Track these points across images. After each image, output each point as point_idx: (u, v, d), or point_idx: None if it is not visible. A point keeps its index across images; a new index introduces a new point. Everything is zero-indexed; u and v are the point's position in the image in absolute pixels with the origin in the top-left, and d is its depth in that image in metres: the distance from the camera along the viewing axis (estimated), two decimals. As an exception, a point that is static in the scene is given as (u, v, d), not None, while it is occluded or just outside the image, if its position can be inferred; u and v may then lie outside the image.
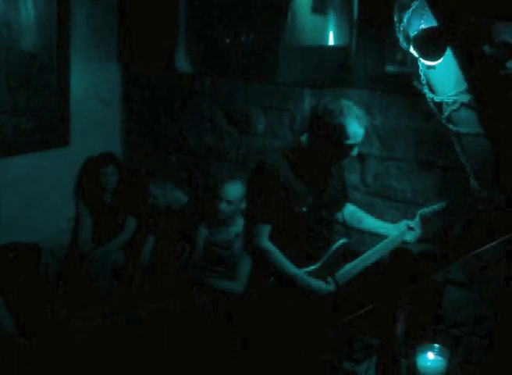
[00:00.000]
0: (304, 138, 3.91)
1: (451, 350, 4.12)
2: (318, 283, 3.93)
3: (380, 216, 4.54)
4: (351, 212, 4.31)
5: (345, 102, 3.81)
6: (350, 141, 3.73)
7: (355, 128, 3.72)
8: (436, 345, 2.88)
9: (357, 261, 4.05)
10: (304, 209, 3.88)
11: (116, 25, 6.04)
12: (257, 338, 4.13)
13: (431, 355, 2.97)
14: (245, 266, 4.99)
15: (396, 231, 4.09)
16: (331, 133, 3.70)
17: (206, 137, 5.86)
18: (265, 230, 3.89)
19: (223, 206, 5.07)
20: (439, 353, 2.94)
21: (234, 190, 4.97)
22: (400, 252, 2.52)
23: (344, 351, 4.00)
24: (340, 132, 3.69)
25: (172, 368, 4.52)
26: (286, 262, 3.90)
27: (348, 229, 4.27)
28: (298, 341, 3.91)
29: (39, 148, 5.68)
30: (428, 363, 2.96)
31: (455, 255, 3.21)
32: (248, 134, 5.58)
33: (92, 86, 6.00)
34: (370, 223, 4.27)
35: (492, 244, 3.15)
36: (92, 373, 4.49)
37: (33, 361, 4.42)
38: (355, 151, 3.83)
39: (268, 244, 3.90)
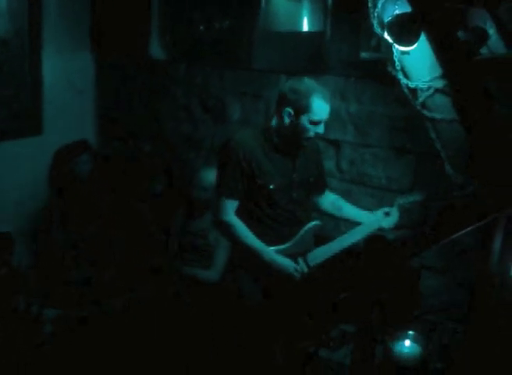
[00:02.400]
0: (273, 121, 3.93)
1: (426, 336, 4.16)
2: (283, 260, 3.92)
3: (355, 203, 4.53)
4: (332, 200, 4.31)
5: (308, 81, 3.84)
6: (316, 117, 3.77)
7: (320, 103, 3.76)
8: (412, 332, 2.88)
9: (330, 244, 4.05)
10: (271, 187, 3.88)
11: (89, 12, 5.98)
12: (233, 326, 4.12)
13: (407, 342, 2.97)
14: (221, 254, 4.99)
15: (373, 218, 4.10)
16: (297, 110, 3.75)
17: (181, 125, 5.82)
18: (230, 204, 3.90)
19: (198, 193, 5.05)
20: (415, 340, 2.94)
21: (209, 177, 4.93)
22: (373, 238, 2.51)
23: (321, 338, 4.00)
24: (306, 107, 3.73)
25: (148, 357, 4.49)
26: (252, 237, 3.90)
27: (326, 216, 4.27)
28: (274, 329, 3.91)
29: (12, 137, 5.62)
30: (405, 350, 2.96)
31: (431, 242, 3.21)
32: (223, 122, 5.55)
33: (65, 74, 5.94)
34: (350, 211, 4.27)
35: (467, 230, 3.16)
36: (66, 365, 4.45)
37: (5, 353, 4.37)
38: (321, 129, 3.85)
39: (232, 218, 3.91)
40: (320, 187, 4.26)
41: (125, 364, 4.45)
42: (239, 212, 3.94)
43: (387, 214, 4.08)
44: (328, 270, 3.93)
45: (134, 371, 4.44)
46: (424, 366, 2.86)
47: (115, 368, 4.43)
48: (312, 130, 3.82)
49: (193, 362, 4.44)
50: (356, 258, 3.89)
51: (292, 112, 3.76)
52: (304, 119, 3.77)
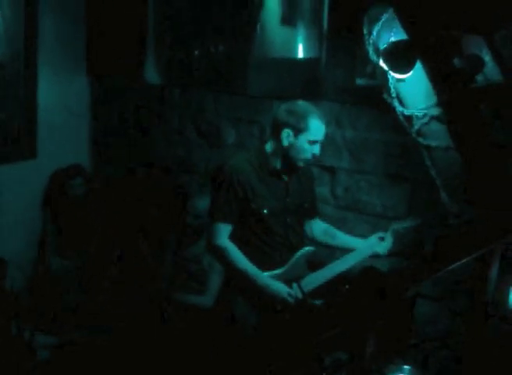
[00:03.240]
0: (268, 145, 3.97)
1: (422, 364, 4.13)
2: (277, 285, 3.91)
3: (350, 230, 4.54)
4: (324, 229, 4.32)
5: (303, 103, 3.92)
6: (314, 136, 3.83)
7: (317, 123, 3.84)
8: (407, 367, 2.85)
9: (324, 269, 4.06)
10: (265, 211, 3.90)
11: (85, 36, 6.01)
12: (226, 353, 4.09)
13: None
14: (215, 280, 4.97)
15: (367, 243, 4.10)
16: (296, 131, 3.80)
17: (175, 149, 5.82)
18: (224, 229, 3.92)
19: (191, 220, 5.04)
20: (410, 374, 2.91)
21: (202, 204, 4.92)
22: (368, 270, 2.50)
23: (314, 366, 3.97)
24: (304, 128, 3.80)
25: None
26: (246, 261, 3.90)
27: (320, 245, 4.26)
28: (268, 356, 3.88)
29: (6, 161, 5.62)
30: None
31: (428, 273, 3.20)
32: (218, 147, 5.55)
33: (60, 97, 5.96)
34: (343, 238, 4.28)
35: (466, 260, 3.15)
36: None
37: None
38: (317, 149, 3.89)
39: (226, 243, 3.91)
40: (313, 212, 4.27)
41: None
42: (233, 237, 3.94)
43: (381, 239, 4.09)
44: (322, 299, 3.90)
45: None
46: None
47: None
48: (309, 151, 3.85)
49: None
50: (349, 285, 3.87)
51: (291, 133, 3.81)
52: (303, 140, 3.81)
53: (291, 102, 3.91)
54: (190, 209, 5.08)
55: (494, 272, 3.49)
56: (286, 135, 3.81)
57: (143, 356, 4.66)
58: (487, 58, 3.78)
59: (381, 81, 3.88)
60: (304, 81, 4.77)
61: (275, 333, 3.88)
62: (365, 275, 2.37)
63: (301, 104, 3.88)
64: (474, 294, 3.62)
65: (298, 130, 3.80)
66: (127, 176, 6.09)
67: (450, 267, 3.22)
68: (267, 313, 3.93)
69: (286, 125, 3.81)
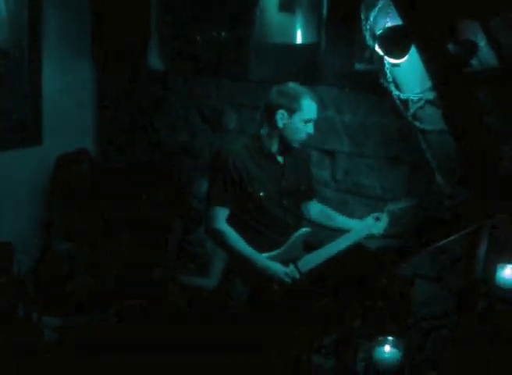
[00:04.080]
0: (262, 129, 4.03)
1: (419, 343, 4.20)
2: (274, 265, 3.98)
3: (350, 212, 4.60)
4: (320, 210, 4.37)
5: (293, 84, 3.98)
6: (307, 115, 3.90)
7: (309, 102, 3.90)
8: (391, 338, 2.92)
9: (320, 250, 4.11)
10: (262, 194, 3.96)
11: (89, 24, 6.05)
12: (227, 334, 4.16)
13: (386, 348, 2.99)
14: (218, 263, 5.03)
15: (362, 224, 4.16)
16: (290, 111, 3.88)
17: (179, 134, 5.88)
18: (222, 212, 3.98)
19: (195, 204, 5.10)
20: (395, 345, 2.97)
21: (206, 188, 4.99)
22: (355, 247, 2.57)
23: (314, 345, 4.05)
24: (297, 107, 3.87)
25: (146, 367, 4.53)
26: (243, 244, 3.97)
27: (317, 226, 4.32)
28: (268, 336, 3.96)
29: (11, 147, 5.68)
30: (384, 355, 2.99)
31: (416, 249, 3.27)
32: (221, 132, 5.62)
33: (65, 85, 6.00)
34: (339, 219, 4.32)
35: (452, 238, 3.22)
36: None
37: (4, 361, 4.42)
38: (311, 128, 3.95)
39: (223, 226, 3.98)
40: (309, 194, 4.32)
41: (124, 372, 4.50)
42: (230, 220, 4.01)
43: (377, 219, 4.13)
44: (316, 278, 3.97)
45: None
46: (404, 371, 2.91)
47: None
48: (304, 131, 3.92)
49: (188, 368, 4.48)
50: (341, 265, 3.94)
51: (285, 114, 3.87)
52: (297, 120, 3.89)
53: (282, 85, 3.97)
54: (194, 193, 5.16)
55: (482, 250, 3.56)
56: (281, 116, 3.88)
57: (148, 338, 4.72)
58: (482, 43, 3.84)
59: (377, 66, 3.93)
60: (304, 66, 4.83)
61: (274, 312, 3.96)
62: (353, 253, 2.44)
63: (292, 85, 3.95)
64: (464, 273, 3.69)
65: (292, 111, 3.86)
66: (132, 161, 6.16)
67: (438, 244, 3.30)
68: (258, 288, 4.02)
69: (280, 106, 3.87)
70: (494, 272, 3.64)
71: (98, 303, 5.20)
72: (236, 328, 4.10)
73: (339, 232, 4.23)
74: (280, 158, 4.06)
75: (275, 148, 4.00)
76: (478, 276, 3.61)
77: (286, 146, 3.99)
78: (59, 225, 5.92)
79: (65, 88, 6.02)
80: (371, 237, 4.12)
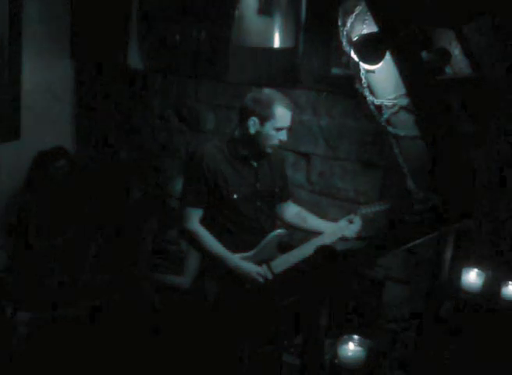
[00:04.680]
0: (236, 132, 4.09)
1: (388, 345, 4.27)
2: (247, 265, 4.04)
3: (324, 214, 4.65)
4: (296, 212, 4.42)
5: (269, 91, 4.04)
6: (279, 124, 3.95)
7: (283, 111, 3.95)
8: (356, 336, 2.97)
9: (292, 252, 4.17)
10: (235, 196, 4.03)
11: (69, 21, 6.05)
12: (197, 332, 4.22)
13: (351, 346, 3.04)
14: (193, 261, 5.06)
15: (336, 227, 4.21)
16: (262, 119, 3.93)
17: (157, 134, 5.92)
18: (195, 213, 4.05)
19: (172, 202, 5.14)
20: (359, 344, 3.02)
21: (180, 187, 5.03)
22: (322, 248, 2.62)
23: (284, 343, 4.10)
24: (270, 115, 3.92)
25: (120, 360, 4.56)
26: (217, 244, 4.04)
27: (292, 228, 4.38)
28: (238, 333, 4.01)
29: (-11, 142, 5.68)
30: (349, 354, 3.04)
31: (382, 251, 3.33)
32: (198, 132, 5.66)
33: (44, 81, 6.00)
34: (315, 222, 4.38)
35: (418, 241, 3.29)
36: (39, 367, 4.52)
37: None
38: (284, 135, 4.00)
39: (196, 227, 4.04)
40: (284, 196, 4.37)
41: (96, 366, 4.53)
42: (204, 220, 4.06)
43: (350, 222, 4.19)
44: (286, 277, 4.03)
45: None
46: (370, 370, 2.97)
47: (88, 371, 4.51)
48: (276, 137, 3.97)
49: (161, 365, 4.53)
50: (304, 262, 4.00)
51: (257, 121, 3.92)
52: (269, 127, 3.93)
53: (257, 91, 4.03)
54: (170, 191, 5.20)
55: (448, 254, 3.64)
56: (253, 123, 3.93)
57: (122, 334, 4.76)
58: (456, 51, 3.92)
59: (353, 71, 3.98)
60: (282, 70, 4.88)
61: (245, 310, 4.00)
62: (320, 253, 2.49)
63: (267, 92, 3.99)
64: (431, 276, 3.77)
65: (264, 118, 3.91)
66: (110, 159, 6.18)
67: (403, 246, 3.37)
68: (235, 292, 4.07)
69: (253, 113, 3.92)
70: (460, 275, 3.72)
71: (72, 299, 5.24)
72: (207, 326, 4.15)
73: (314, 234, 4.30)
74: (253, 162, 4.11)
75: (247, 151, 4.06)
76: (444, 279, 3.68)
77: (258, 151, 4.04)
78: (35, 221, 5.92)
79: (45, 85, 6.02)
80: (343, 239, 4.17)
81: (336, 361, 2.92)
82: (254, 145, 4.02)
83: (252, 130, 3.94)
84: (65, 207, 5.85)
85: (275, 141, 3.99)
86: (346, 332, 2.99)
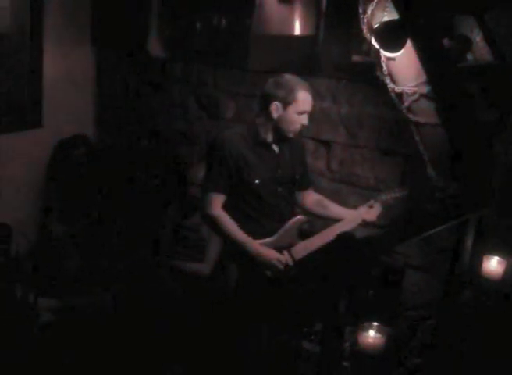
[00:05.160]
0: (258, 118, 4.08)
1: (409, 333, 4.28)
2: (267, 251, 4.04)
3: (344, 202, 4.65)
4: (317, 200, 4.41)
5: (289, 76, 4.01)
6: (302, 107, 3.94)
7: (304, 95, 3.94)
8: (376, 324, 2.98)
9: (314, 238, 4.17)
10: (257, 181, 4.03)
11: (90, 8, 6.09)
12: (219, 319, 4.24)
13: (371, 333, 3.04)
14: (213, 248, 5.09)
15: (356, 213, 4.22)
16: (284, 103, 3.92)
17: (177, 121, 5.94)
18: (217, 198, 4.04)
19: (192, 190, 5.16)
20: (379, 331, 3.02)
21: (202, 174, 5.04)
22: (342, 235, 2.63)
23: (304, 331, 4.12)
24: (292, 100, 3.91)
25: (139, 354, 4.59)
26: (238, 230, 4.03)
27: (311, 215, 4.39)
28: (259, 320, 4.03)
29: (11, 129, 5.73)
30: (369, 341, 3.04)
31: (401, 239, 3.33)
32: (217, 120, 5.67)
33: (65, 68, 6.04)
34: (334, 209, 4.38)
35: (436, 229, 3.28)
36: (62, 354, 4.56)
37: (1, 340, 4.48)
38: (306, 120, 4.00)
39: (219, 212, 4.04)
40: (304, 183, 4.37)
41: (118, 354, 4.54)
42: (226, 207, 4.06)
43: (370, 206, 4.20)
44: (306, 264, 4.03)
45: (128, 363, 4.54)
46: (390, 356, 2.99)
47: (109, 358, 4.53)
48: (298, 122, 3.97)
49: (180, 353, 4.56)
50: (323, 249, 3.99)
51: (280, 105, 3.92)
52: (291, 111, 3.92)
53: (278, 76, 4.00)
54: (190, 179, 5.21)
55: (469, 242, 3.63)
56: (275, 108, 3.92)
57: (142, 321, 4.79)
58: (478, 38, 3.90)
59: (374, 59, 3.98)
60: (302, 58, 4.89)
61: (265, 297, 4.03)
62: (339, 240, 2.50)
63: (288, 77, 3.97)
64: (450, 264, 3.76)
65: (286, 103, 3.90)
66: (130, 147, 6.21)
67: (424, 234, 3.36)
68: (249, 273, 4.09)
69: (275, 98, 3.91)
70: (480, 263, 3.72)
71: (94, 285, 5.29)
72: (227, 313, 4.18)
73: (334, 221, 4.31)
74: (275, 147, 4.11)
75: (270, 137, 4.05)
76: (464, 267, 3.68)
77: (280, 136, 4.04)
78: (57, 208, 5.98)
79: (66, 73, 6.06)
80: (364, 224, 4.18)
81: (356, 348, 2.93)
82: (276, 130, 4.02)
83: (275, 115, 3.94)
84: (85, 194, 5.90)
85: (298, 126, 3.99)
86: (365, 319, 3.00)
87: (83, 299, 5.11)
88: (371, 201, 4.22)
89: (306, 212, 4.39)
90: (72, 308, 4.99)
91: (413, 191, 4.26)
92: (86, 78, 6.30)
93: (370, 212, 4.18)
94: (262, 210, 4.08)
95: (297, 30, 4.73)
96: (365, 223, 4.18)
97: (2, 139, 5.65)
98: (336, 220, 4.27)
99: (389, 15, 3.75)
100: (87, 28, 6.14)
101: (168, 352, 4.59)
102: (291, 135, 4.03)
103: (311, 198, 4.41)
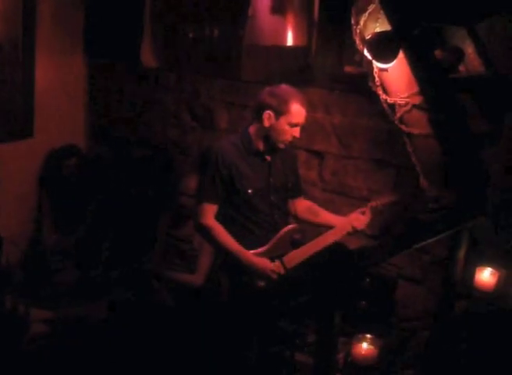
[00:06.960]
0: (251, 127, 4.10)
1: (401, 343, 4.26)
2: (261, 261, 4.04)
3: (336, 212, 4.62)
4: (307, 206, 4.42)
5: (286, 87, 4.02)
6: (295, 119, 3.95)
7: (298, 107, 3.95)
8: (369, 335, 2.98)
9: (305, 246, 4.16)
10: (250, 191, 4.04)
11: (82, 19, 6.08)
12: (210, 329, 4.23)
13: (364, 345, 3.04)
14: (205, 259, 5.09)
15: (346, 220, 4.22)
16: (277, 112, 3.93)
17: (169, 131, 5.93)
18: (210, 208, 4.05)
19: (184, 200, 5.15)
20: (372, 343, 3.02)
21: (194, 184, 5.03)
22: (336, 245, 2.62)
23: (297, 343, 4.10)
24: (285, 110, 3.92)
25: (131, 362, 4.57)
26: (231, 240, 4.03)
27: (304, 223, 4.38)
28: (250, 332, 4.02)
29: (3, 139, 5.69)
30: (362, 352, 3.04)
31: (394, 250, 3.32)
32: (211, 130, 5.66)
33: (57, 78, 6.03)
34: (325, 216, 4.38)
35: (431, 240, 3.28)
36: (53, 364, 4.54)
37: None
38: (297, 132, 4.01)
39: (212, 222, 4.04)
40: (296, 191, 4.37)
41: (112, 364, 4.54)
42: (219, 216, 4.07)
43: (362, 213, 4.20)
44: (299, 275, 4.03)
45: (122, 373, 4.53)
46: (383, 367, 2.98)
47: (103, 368, 4.52)
48: (289, 133, 3.98)
49: (171, 363, 4.54)
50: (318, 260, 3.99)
51: (272, 115, 3.93)
52: (283, 122, 3.94)
53: (274, 85, 4.02)
54: (182, 189, 5.20)
55: (462, 253, 3.63)
56: (268, 116, 3.94)
57: (136, 331, 4.77)
58: (470, 49, 3.90)
59: (366, 69, 3.98)
60: (295, 68, 4.89)
61: (257, 308, 4.01)
62: (333, 251, 2.48)
63: (284, 87, 3.99)
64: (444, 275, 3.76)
65: (279, 113, 3.92)
66: (122, 157, 6.19)
67: (417, 245, 3.36)
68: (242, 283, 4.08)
69: (268, 107, 3.93)
70: (473, 274, 3.71)
71: (87, 296, 5.26)
72: (218, 323, 4.16)
73: (325, 228, 4.30)
74: (267, 156, 4.12)
75: (261, 146, 4.07)
76: (457, 278, 3.67)
77: (270, 146, 4.05)
78: (48, 218, 5.95)
79: (58, 83, 6.05)
80: (354, 232, 4.18)
81: (349, 359, 2.93)
82: (267, 139, 4.03)
83: (267, 124, 3.96)
84: (77, 204, 5.88)
85: (289, 137, 3.99)
86: (358, 331, 2.99)
87: (76, 310, 5.08)
88: (362, 209, 4.22)
89: (297, 219, 4.39)
90: (66, 319, 4.96)
91: (405, 200, 4.26)
92: (78, 89, 6.29)
93: (360, 219, 4.18)
94: (255, 219, 4.09)
95: (290, 40, 4.74)
96: (355, 231, 4.18)
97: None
98: (327, 228, 4.27)
99: (382, 26, 3.75)
100: (80, 39, 6.13)
101: (159, 363, 4.57)
102: (281, 146, 4.03)
103: (302, 206, 4.41)
